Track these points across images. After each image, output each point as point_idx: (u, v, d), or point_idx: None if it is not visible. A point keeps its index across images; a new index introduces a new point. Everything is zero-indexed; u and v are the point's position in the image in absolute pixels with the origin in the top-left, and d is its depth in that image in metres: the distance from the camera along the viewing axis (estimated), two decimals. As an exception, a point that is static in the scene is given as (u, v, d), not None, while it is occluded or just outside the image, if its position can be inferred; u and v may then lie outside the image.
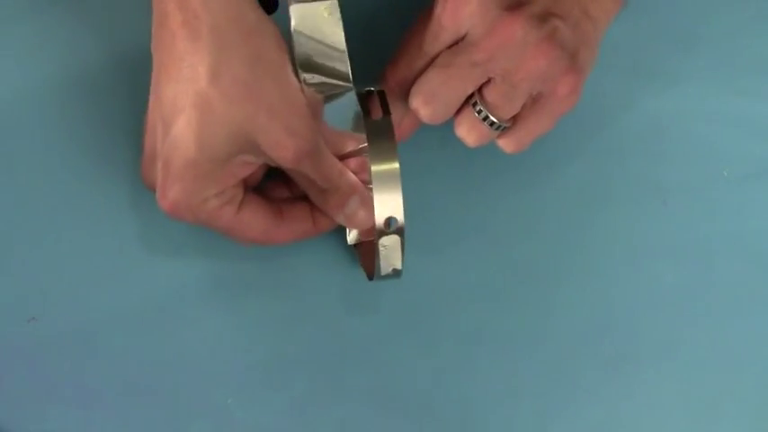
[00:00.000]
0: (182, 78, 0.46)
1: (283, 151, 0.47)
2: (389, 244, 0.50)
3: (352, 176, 0.51)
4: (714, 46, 0.62)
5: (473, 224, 0.58)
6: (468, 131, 0.52)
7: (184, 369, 0.55)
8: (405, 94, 0.52)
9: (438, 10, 0.51)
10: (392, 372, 0.56)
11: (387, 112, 0.50)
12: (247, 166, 0.48)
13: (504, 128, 0.52)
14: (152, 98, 0.49)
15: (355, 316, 0.56)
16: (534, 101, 0.52)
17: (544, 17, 0.50)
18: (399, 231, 0.49)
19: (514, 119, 0.52)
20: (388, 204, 0.49)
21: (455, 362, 0.56)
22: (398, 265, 0.51)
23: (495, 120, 0.52)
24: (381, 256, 0.50)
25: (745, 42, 0.62)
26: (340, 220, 0.52)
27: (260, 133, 0.46)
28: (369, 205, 0.50)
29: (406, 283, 0.55)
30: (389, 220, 0.49)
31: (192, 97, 0.46)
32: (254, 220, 0.51)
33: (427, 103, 0.51)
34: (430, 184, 0.58)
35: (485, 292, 0.57)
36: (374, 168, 0.48)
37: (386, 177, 0.49)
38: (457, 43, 0.51)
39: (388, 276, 0.51)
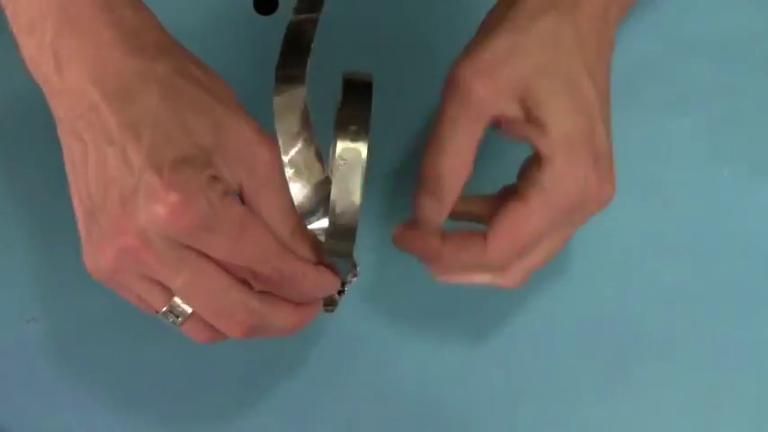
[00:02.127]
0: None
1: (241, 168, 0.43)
2: (350, 158, 0.42)
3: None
4: (714, 46, 0.62)
5: (473, 224, 0.58)
6: (522, 279, 0.50)
7: (184, 369, 0.55)
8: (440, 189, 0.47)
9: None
10: (393, 372, 0.56)
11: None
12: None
13: None
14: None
15: (356, 315, 0.56)
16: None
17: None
18: (361, 144, 0.42)
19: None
20: (354, 116, 0.43)
21: (455, 361, 0.56)
22: (356, 198, 0.42)
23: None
24: (336, 176, 0.42)
25: (745, 43, 0.62)
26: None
27: (216, 158, 0.43)
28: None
29: (406, 282, 0.55)
30: (350, 129, 0.42)
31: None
32: (267, 224, 0.45)
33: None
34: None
35: (485, 292, 0.57)
36: (345, 76, 0.44)
37: (358, 87, 0.44)
38: None
39: (342, 232, 0.43)
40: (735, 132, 0.61)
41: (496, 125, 0.47)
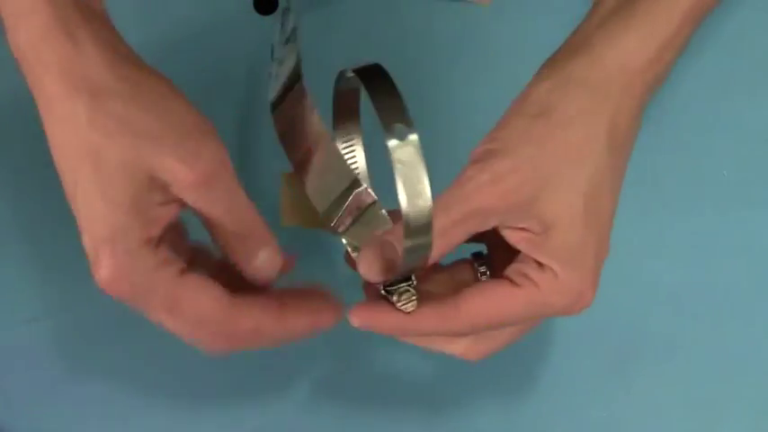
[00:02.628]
0: (64, 123, 0.43)
1: (180, 175, 0.43)
2: (406, 158, 0.40)
3: (264, 225, 0.46)
4: (715, 47, 0.62)
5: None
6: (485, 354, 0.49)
7: (185, 369, 0.55)
8: None
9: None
10: (393, 371, 0.56)
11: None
12: (163, 208, 0.44)
13: None
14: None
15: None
16: None
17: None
18: (413, 138, 0.40)
19: None
20: (389, 109, 0.40)
21: (455, 361, 0.56)
22: (425, 196, 0.40)
23: None
24: (399, 179, 0.40)
25: (745, 43, 0.62)
26: (248, 271, 0.46)
27: (153, 164, 0.43)
28: (277, 260, 0.46)
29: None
30: (395, 128, 0.40)
31: (76, 148, 0.43)
32: (202, 292, 0.44)
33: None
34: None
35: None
36: (353, 71, 0.42)
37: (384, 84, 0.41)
38: None
39: (419, 230, 0.41)
40: (735, 132, 0.61)
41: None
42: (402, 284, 0.45)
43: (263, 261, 0.46)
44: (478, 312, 0.45)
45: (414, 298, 0.45)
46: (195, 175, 0.43)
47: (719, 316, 0.58)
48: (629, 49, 0.46)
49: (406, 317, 0.45)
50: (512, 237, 0.45)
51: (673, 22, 0.47)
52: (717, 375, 0.57)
